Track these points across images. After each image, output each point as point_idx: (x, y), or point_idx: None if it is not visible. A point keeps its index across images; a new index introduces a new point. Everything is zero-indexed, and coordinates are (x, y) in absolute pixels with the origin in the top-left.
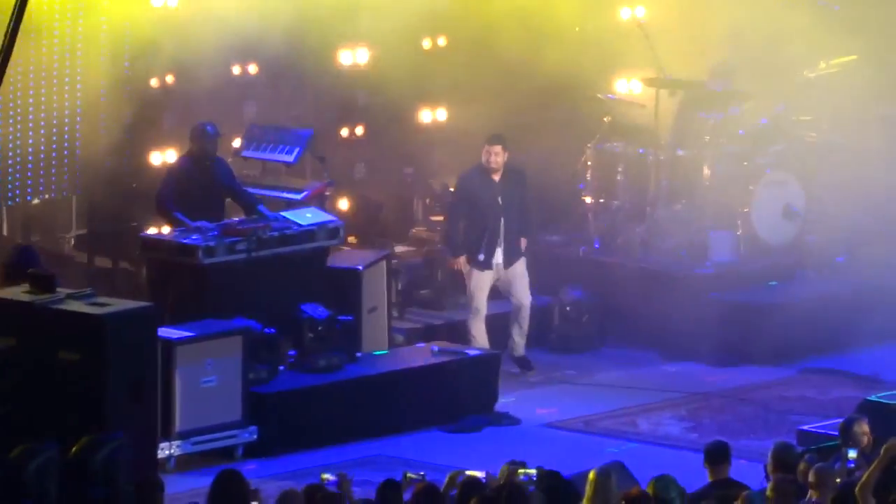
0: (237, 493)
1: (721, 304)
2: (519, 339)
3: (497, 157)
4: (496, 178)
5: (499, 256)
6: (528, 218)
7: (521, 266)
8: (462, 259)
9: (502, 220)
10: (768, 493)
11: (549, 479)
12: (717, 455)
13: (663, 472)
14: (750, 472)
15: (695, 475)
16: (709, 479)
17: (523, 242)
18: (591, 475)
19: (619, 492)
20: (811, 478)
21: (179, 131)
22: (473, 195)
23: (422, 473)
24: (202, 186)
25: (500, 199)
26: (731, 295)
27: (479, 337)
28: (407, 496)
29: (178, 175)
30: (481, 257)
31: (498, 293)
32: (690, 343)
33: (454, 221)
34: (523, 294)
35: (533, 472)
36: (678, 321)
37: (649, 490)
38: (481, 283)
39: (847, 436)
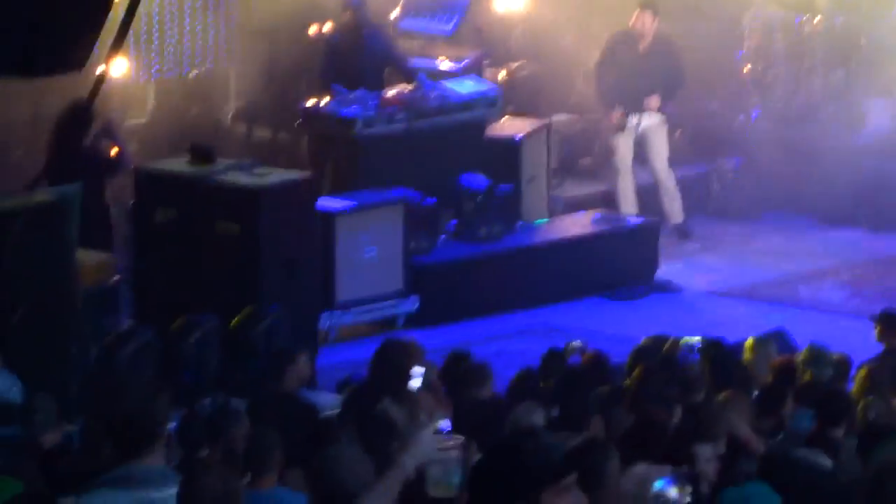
0: (400, 360)
1: (880, 171)
2: (669, 207)
3: (645, 23)
4: (642, 43)
5: (636, 119)
6: (671, 85)
7: (660, 134)
8: (619, 112)
9: (646, 89)
10: None
11: (712, 348)
12: (892, 322)
13: (824, 339)
14: None
15: (855, 342)
16: (882, 346)
17: (654, 102)
18: (749, 342)
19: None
20: None
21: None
22: (618, 57)
23: (582, 342)
24: (359, 56)
25: (645, 67)
26: (890, 162)
27: (626, 196)
28: (570, 364)
29: (334, 46)
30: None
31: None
32: (850, 210)
33: (603, 78)
34: (657, 159)
35: (696, 340)
36: (837, 189)
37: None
38: (621, 143)
39: None
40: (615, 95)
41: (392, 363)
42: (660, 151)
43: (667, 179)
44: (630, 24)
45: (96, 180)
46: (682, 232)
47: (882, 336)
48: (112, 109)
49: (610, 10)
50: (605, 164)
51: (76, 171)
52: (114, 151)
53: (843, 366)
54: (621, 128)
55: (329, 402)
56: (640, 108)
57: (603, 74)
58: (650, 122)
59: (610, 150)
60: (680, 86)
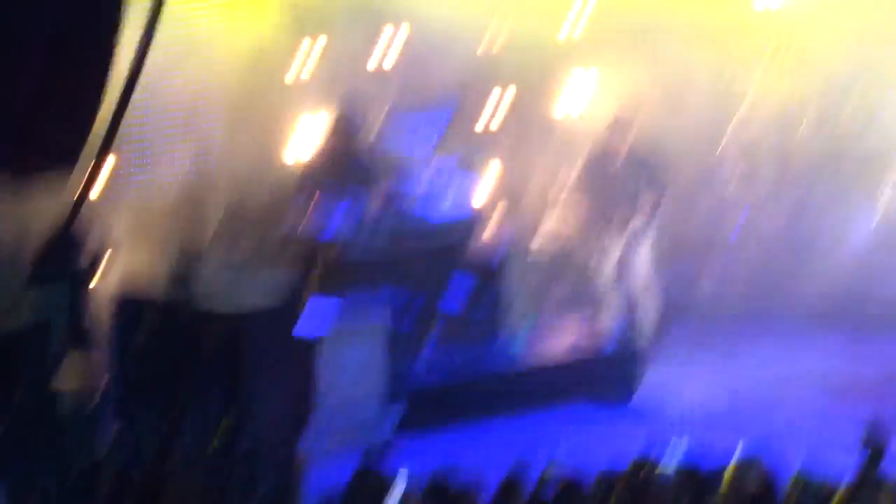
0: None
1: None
2: (641, 322)
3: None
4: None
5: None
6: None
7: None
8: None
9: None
10: None
11: (690, 472)
12: (880, 440)
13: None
14: None
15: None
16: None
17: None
18: (731, 467)
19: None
20: None
21: (318, 120)
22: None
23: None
24: (343, 177)
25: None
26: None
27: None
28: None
29: (319, 166)
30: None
31: None
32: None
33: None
34: (639, 276)
35: (672, 466)
36: (826, 295)
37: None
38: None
39: None
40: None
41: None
42: (641, 267)
43: (645, 296)
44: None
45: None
46: (645, 354)
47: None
48: None
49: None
50: (587, 282)
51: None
52: None
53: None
54: (604, 245)
55: None
56: (625, 223)
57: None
58: (634, 236)
59: (595, 267)
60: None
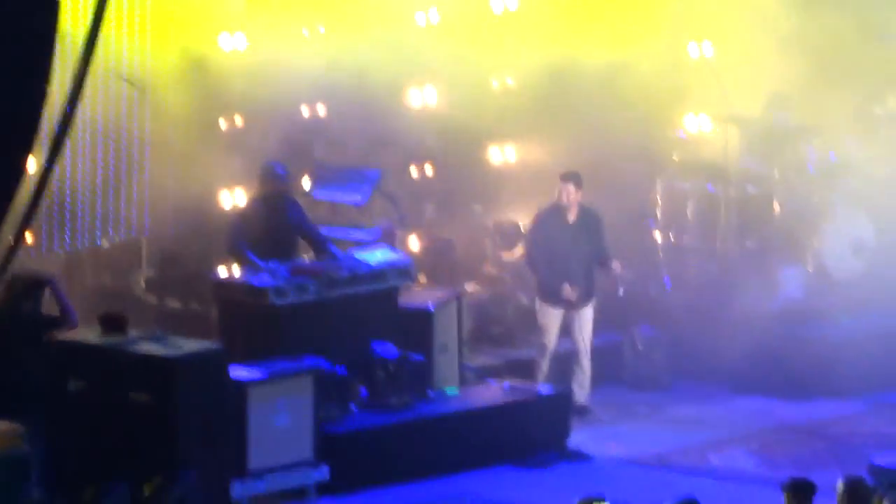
0: None
1: (792, 338)
2: (579, 388)
3: (570, 195)
4: (570, 216)
5: (570, 295)
6: (603, 255)
7: (589, 310)
8: (569, 288)
9: (575, 259)
10: None
11: None
12: (800, 490)
13: None
14: None
15: None
16: None
17: (606, 272)
18: None
19: None
20: None
21: (248, 172)
22: (548, 233)
23: None
24: (273, 227)
25: (573, 239)
26: (801, 330)
27: (546, 372)
28: None
29: (249, 216)
30: (555, 294)
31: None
32: (761, 378)
33: (537, 260)
34: (584, 338)
35: None
36: (749, 357)
37: None
38: (552, 320)
39: None
40: (548, 268)
41: None
42: (590, 333)
43: (588, 362)
44: (556, 196)
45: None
46: (583, 410)
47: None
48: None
49: (518, 179)
50: (517, 333)
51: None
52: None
53: None
54: (571, 301)
55: None
56: (572, 281)
57: (534, 245)
58: (587, 303)
59: (542, 327)
60: (606, 255)
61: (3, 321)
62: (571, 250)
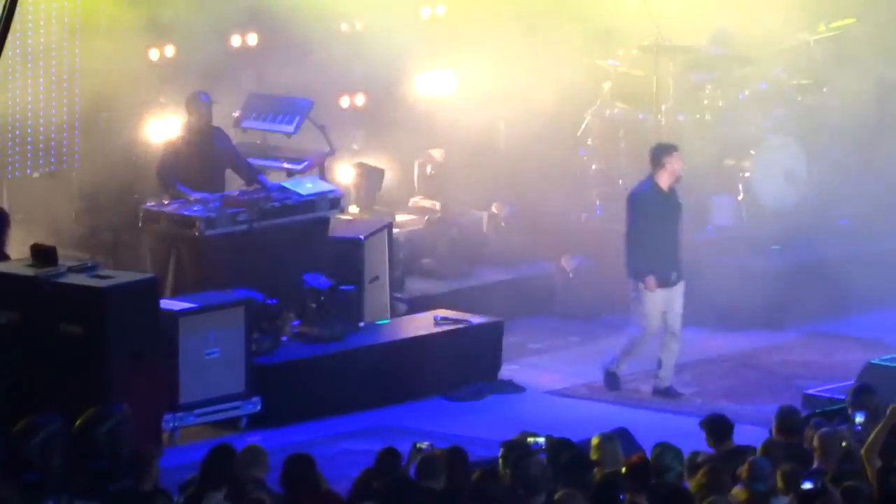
0: (228, 466)
1: (723, 268)
2: (666, 371)
3: (681, 168)
4: (669, 190)
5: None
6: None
7: (681, 286)
8: (652, 279)
9: (677, 237)
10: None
11: (559, 447)
12: (719, 430)
13: (668, 438)
14: (756, 436)
15: (699, 440)
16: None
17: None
18: (595, 441)
19: (623, 458)
20: (815, 443)
21: (177, 102)
22: (653, 212)
23: (429, 443)
24: (201, 157)
25: (674, 215)
26: (733, 259)
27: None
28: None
29: (177, 146)
30: (672, 275)
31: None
32: (693, 308)
33: (643, 241)
34: (677, 318)
35: (542, 439)
36: None
37: (651, 457)
38: (658, 303)
39: (856, 399)
40: (655, 250)
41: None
42: (680, 305)
43: (677, 339)
44: (656, 170)
45: None
46: (670, 392)
47: (711, 441)
48: None
49: (449, 110)
50: (448, 264)
51: None
52: None
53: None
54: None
55: None
56: (677, 260)
57: (639, 226)
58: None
59: (645, 312)
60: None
61: None
62: (674, 228)
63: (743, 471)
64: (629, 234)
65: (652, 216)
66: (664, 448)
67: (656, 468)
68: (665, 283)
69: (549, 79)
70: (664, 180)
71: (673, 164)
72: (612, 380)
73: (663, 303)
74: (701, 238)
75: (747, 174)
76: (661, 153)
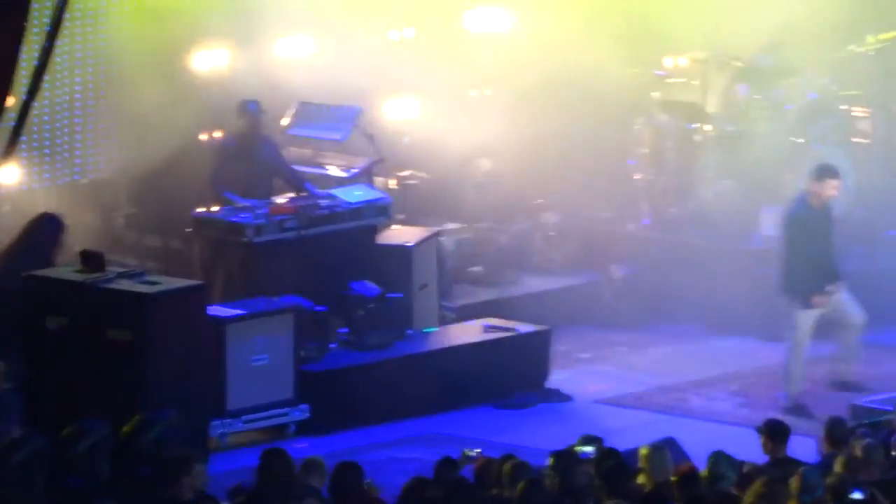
0: (283, 470)
1: (771, 279)
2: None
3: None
4: (823, 207)
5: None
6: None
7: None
8: (819, 297)
9: (833, 253)
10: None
11: (608, 456)
12: (777, 433)
13: (715, 447)
14: (803, 447)
15: (746, 451)
16: (766, 457)
17: None
18: (644, 451)
19: (672, 467)
20: (858, 453)
21: (227, 110)
22: (809, 229)
23: (478, 450)
24: (249, 165)
25: (829, 231)
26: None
27: (797, 374)
28: (464, 473)
29: (226, 154)
30: (831, 287)
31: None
32: (741, 318)
33: (799, 259)
34: (859, 310)
35: (591, 448)
36: (728, 297)
37: (707, 465)
38: (811, 321)
39: None
40: (812, 268)
41: (274, 474)
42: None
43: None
44: (812, 187)
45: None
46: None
47: (767, 447)
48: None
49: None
50: (497, 272)
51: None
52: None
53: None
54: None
55: None
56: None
57: (794, 243)
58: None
59: (800, 329)
60: None
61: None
62: (829, 242)
63: (794, 482)
64: (788, 253)
65: (807, 233)
66: (720, 456)
67: (711, 476)
68: (825, 296)
69: (599, 88)
70: (816, 199)
71: (826, 190)
72: (798, 411)
73: (818, 316)
74: (748, 248)
75: (795, 185)
76: (819, 175)
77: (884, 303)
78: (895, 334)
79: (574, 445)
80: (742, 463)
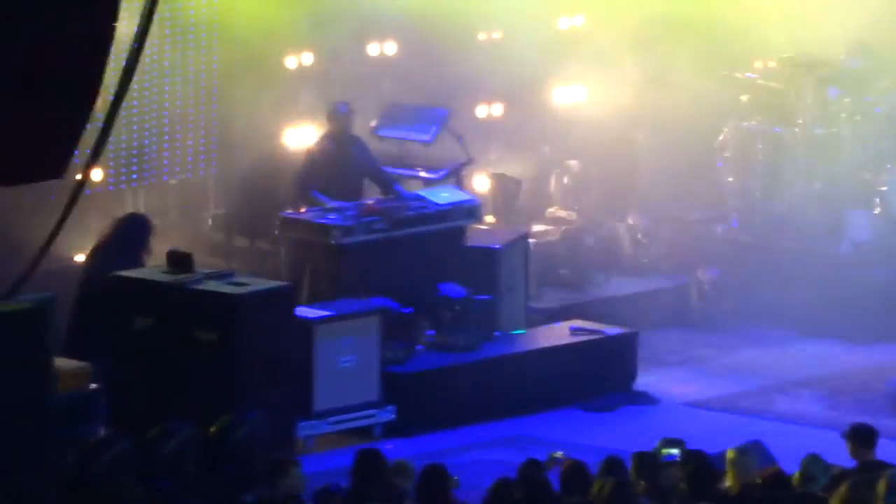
0: (377, 471)
1: (859, 282)
2: None
3: None
4: None
5: None
6: None
7: None
8: None
9: None
10: None
11: (693, 458)
12: (864, 437)
13: (801, 451)
14: (889, 450)
15: (833, 454)
16: (853, 461)
17: None
18: (730, 454)
19: (758, 470)
20: None
21: (316, 111)
22: None
23: (563, 452)
24: (339, 166)
25: None
26: (869, 273)
27: None
28: (551, 475)
29: (315, 155)
30: None
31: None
32: (828, 321)
33: None
34: None
35: (676, 451)
36: (816, 299)
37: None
38: None
39: None
40: None
41: (368, 475)
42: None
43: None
44: None
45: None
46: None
47: (854, 452)
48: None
49: (586, 121)
50: (584, 275)
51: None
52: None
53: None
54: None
55: None
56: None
57: None
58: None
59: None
60: None
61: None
62: None
63: (880, 485)
64: None
65: None
66: (814, 459)
67: (803, 478)
68: None
69: (687, 90)
70: None
71: None
72: None
73: None
74: (836, 252)
75: (884, 188)
76: None
77: None
78: None
79: (656, 448)
80: (829, 466)
